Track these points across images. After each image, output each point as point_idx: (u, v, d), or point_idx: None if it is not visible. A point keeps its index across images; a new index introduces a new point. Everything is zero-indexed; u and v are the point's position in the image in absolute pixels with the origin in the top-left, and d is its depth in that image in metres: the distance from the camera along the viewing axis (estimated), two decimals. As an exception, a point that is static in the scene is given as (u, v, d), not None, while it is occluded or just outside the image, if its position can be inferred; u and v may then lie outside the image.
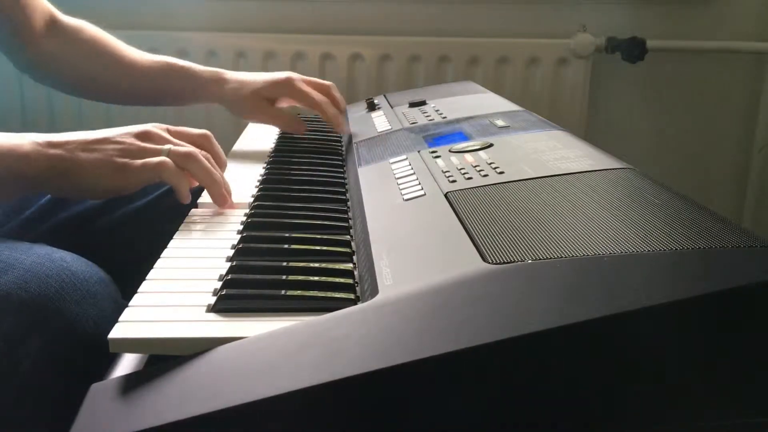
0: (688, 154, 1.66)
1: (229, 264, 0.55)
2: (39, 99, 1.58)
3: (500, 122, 0.85)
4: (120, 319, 0.46)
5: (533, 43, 1.57)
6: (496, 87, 1.36)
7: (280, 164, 0.85)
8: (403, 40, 1.58)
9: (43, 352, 0.52)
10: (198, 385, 0.41)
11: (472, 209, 0.57)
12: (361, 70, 1.58)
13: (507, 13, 1.60)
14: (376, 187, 0.71)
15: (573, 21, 1.56)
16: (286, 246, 0.58)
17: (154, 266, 0.55)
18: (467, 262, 0.47)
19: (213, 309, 0.48)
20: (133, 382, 0.42)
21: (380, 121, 1.01)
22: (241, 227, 0.64)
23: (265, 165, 0.85)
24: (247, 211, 0.68)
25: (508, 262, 0.46)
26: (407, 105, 1.06)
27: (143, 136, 0.68)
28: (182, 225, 0.65)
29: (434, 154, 0.75)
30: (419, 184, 0.67)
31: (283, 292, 0.49)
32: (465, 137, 0.80)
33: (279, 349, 0.42)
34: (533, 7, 1.60)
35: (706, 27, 1.59)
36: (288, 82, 0.97)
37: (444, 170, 0.68)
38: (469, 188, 0.62)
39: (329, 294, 0.50)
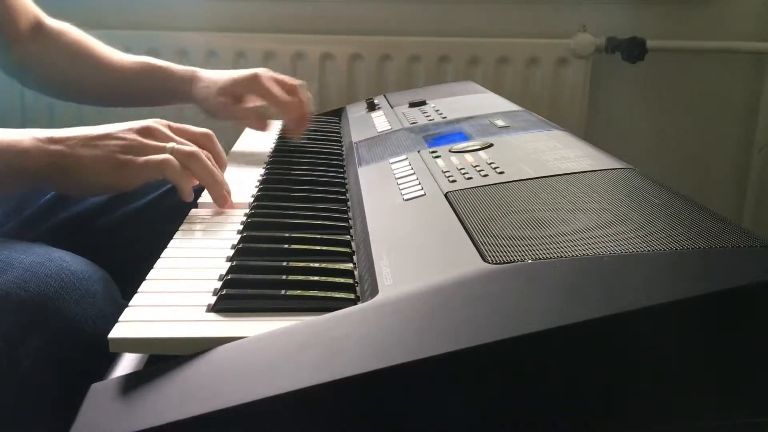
0: (688, 154, 1.66)
1: (229, 264, 0.55)
2: (39, 99, 1.58)
3: (500, 122, 0.85)
4: (120, 319, 0.46)
5: (533, 43, 1.57)
6: (496, 87, 1.36)
7: (280, 164, 0.85)
8: (403, 40, 1.58)
9: (42, 351, 0.52)
10: (198, 385, 0.41)
11: (472, 209, 0.57)
12: (361, 70, 1.58)
13: (507, 13, 1.60)
14: (376, 187, 0.71)
15: (573, 21, 1.56)
16: (286, 246, 0.58)
17: (154, 266, 0.55)
18: (467, 262, 0.47)
19: (213, 309, 0.48)
20: (133, 382, 0.42)
21: (380, 121, 1.01)
22: (241, 227, 0.64)
23: (265, 165, 0.85)
24: (247, 211, 0.68)
25: (508, 262, 0.46)
26: (407, 105, 1.06)
27: (145, 132, 0.67)
28: (182, 225, 0.65)
29: (434, 154, 0.75)
30: (419, 184, 0.67)
31: (283, 292, 0.49)
32: (465, 137, 0.80)
33: (279, 349, 0.42)
34: (533, 7, 1.60)
35: (706, 27, 1.59)
36: (254, 78, 0.95)
37: (444, 170, 0.68)
38: (469, 188, 0.62)
39: (329, 294, 0.50)
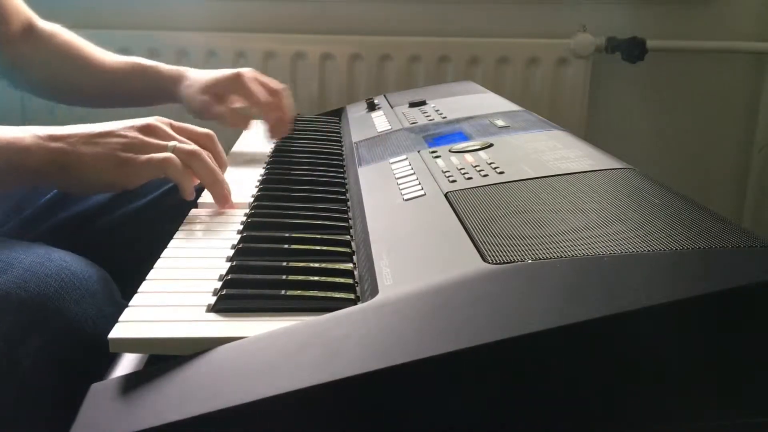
0: (688, 154, 1.66)
1: (229, 264, 0.55)
2: (39, 99, 1.58)
3: (500, 122, 0.85)
4: (120, 319, 0.46)
5: (533, 43, 1.57)
6: (496, 87, 1.36)
7: (280, 164, 0.85)
8: (403, 40, 1.58)
9: (42, 351, 0.52)
10: (198, 385, 0.41)
11: (472, 209, 0.57)
12: (361, 70, 1.58)
13: (507, 13, 1.60)
14: (376, 187, 0.71)
15: (573, 21, 1.56)
16: (286, 246, 0.58)
17: (154, 266, 0.55)
18: (467, 262, 0.47)
19: (213, 309, 0.48)
20: (133, 382, 0.42)
21: (380, 121, 1.00)
22: (241, 227, 0.64)
23: (265, 165, 0.85)
24: (247, 211, 0.68)
25: (508, 262, 0.46)
26: (407, 105, 1.06)
27: (147, 130, 0.67)
28: (182, 225, 0.65)
29: (434, 154, 0.75)
30: (419, 184, 0.67)
31: (283, 292, 0.49)
32: (465, 137, 0.80)
33: (279, 349, 0.42)
34: (533, 7, 1.60)
35: (706, 27, 1.59)
36: (236, 78, 0.94)
37: (444, 170, 0.68)
38: (469, 188, 0.62)
39: (329, 294, 0.50)
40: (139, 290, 0.51)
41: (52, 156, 0.63)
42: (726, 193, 1.70)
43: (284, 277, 0.52)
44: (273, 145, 0.96)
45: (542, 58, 1.56)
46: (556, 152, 0.70)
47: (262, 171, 0.83)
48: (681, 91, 1.64)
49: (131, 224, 0.82)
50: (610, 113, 1.64)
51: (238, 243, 0.59)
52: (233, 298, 0.49)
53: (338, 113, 1.21)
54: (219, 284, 0.51)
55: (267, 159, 0.89)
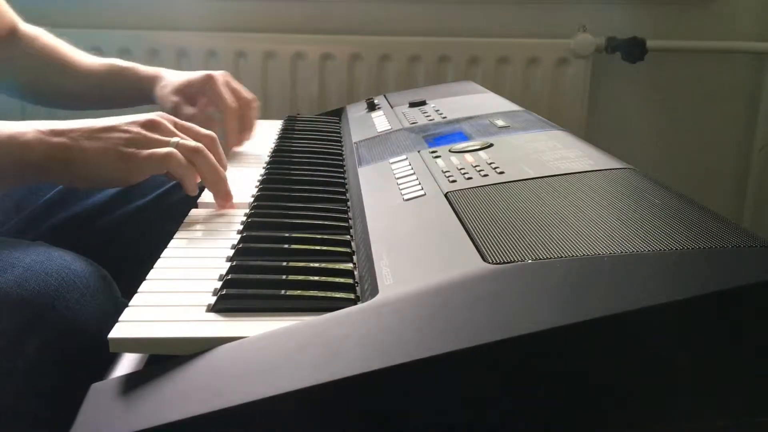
0: (688, 154, 1.66)
1: (229, 264, 0.55)
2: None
3: (500, 122, 0.85)
4: (120, 319, 0.46)
5: (533, 43, 1.57)
6: (496, 87, 1.36)
7: (280, 164, 0.85)
8: (403, 40, 1.58)
9: (42, 350, 0.52)
10: (198, 385, 0.41)
11: (472, 209, 0.57)
12: (361, 70, 1.58)
13: (507, 13, 1.60)
14: (376, 187, 0.71)
15: (573, 21, 1.56)
16: (286, 246, 0.58)
17: (154, 266, 0.55)
18: (467, 262, 0.47)
19: (213, 309, 0.48)
20: (133, 382, 0.42)
21: (380, 121, 1.00)
22: (241, 227, 0.64)
23: (265, 165, 0.85)
24: (247, 211, 0.68)
25: (508, 262, 0.46)
26: (407, 105, 1.06)
27: (149, 125, 0.66)
28: (182, 225, 0.65)
29: (434, 154, 0.75)
30: (419, 184, 0.67)
31: (283, 292, 0.49)
32: (465, 137, 0.80)
33: (279, 349, 0.42)
34: (533, 7, 1.60)
35: (706, 27, 1.59)
36: (207, 80, 0.94)
37: (444, 170, 0.68)
38: (469, 188, 0.62)
39: (329, 294, 0.50)
40: (139, 290, 0.51)
41: (54, 151, 0.62)
42: (726, 193, 1.70)
43: (284, 277, 0.52)
44: (273, 145, 0.97)
45: (542, 58, 1.56)
46: (556, 152, 0.70)
47: (262, 171, 0.83)
48: (681, 91, 1.64)
49: (131, 224, 0.82)
50: (610, 113, 1.64)
51: (238, 243, 0.59)
52: (233, 297, 0.49)
53: (338, 113, 1.21)
54: (219, 284, 0.51)
55: (267, 159, 0.89)
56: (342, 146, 0.97)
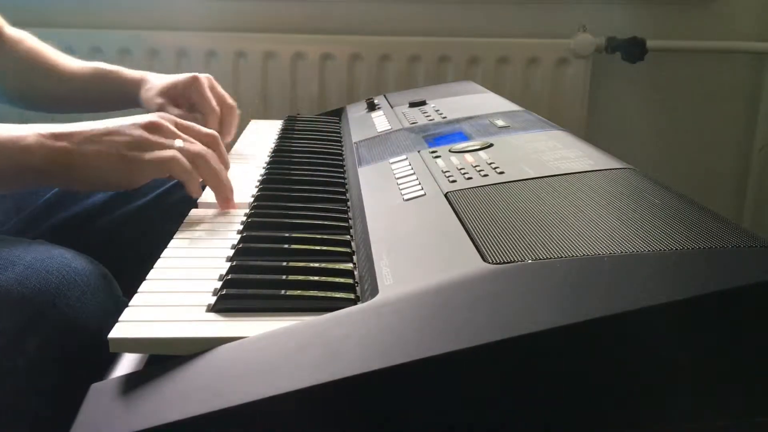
0: (688, 154, 1.66)
1: (229, 264, 0.55)
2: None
3: (500, 122, 0.85)
4: (120, 319, 0.46)
5: (533, 43, 1.57)
6: (496, 87, 1.36)
7: (280, 164, 0.85)
8: (403, 40, 1.58)
9: (43, 348, 0.52)
10: (198, 385, 0.41)
11: (472, 209, 0.57)
12: (361, 70, 1.58)
13: (507, 13, 1.60)
14: (376, 187, 0.71)
15: (573, 21, 1.56)
16: (286, 246, 0.58)
17: (154, 266, 0.55)
18: (467, 262, 0.47)
19: (213, 309, 0.48)
20: (133, 382, 0.42)
21: (380, 121, 1.01)
22: (241, 227, 0.64)
23: (265, 165, 0.85)
24: (247, 211, 0.68)
25: (508, 262, 0.46)
26: (407, 105, 1.06)
27: (151, 127, 0.66)
28: (182, 225, 0.65)
29: (434, 154, 0.75)
30: (419, 184, 0.67)
31: (283, 292, 0.49)
32: (465, 137, 0.80)
33: (279, 349, 0.42)
34: (533, 7, 1.60)
35: (706, 27, 1.59)
36: (192, 81, 0.94)
37: (444, 170, 0.68)
38: (469, 188, 0.62)
39: (329, 294, 0.50)
40: (139, 290, 0.51)
41: (55, 155, 0.62)
42: (726, 193, 1.70)
43: (284, 277, 0.52)
44: (273, 145, 0.97)
45: (542, 58, 1.56)
46: (556, 152, 0.70)
47: (262, 171, 0.83)
48: (681, 91, 1.64)
49: (131, 224, 0.82)
50: (610, 113, 1.65)
51: (238, 243, 0.59)
52: (233, 298, 0.49)
53: (338, 113, 1.21)
54: (219, 284, 0.51)
55: (267, 159, 0.89)
56: (342, 146, 0.97)
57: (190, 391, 0.41)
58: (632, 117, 1.65)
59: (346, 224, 0.64)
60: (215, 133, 0.72)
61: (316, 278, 0.52)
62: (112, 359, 0.50)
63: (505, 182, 0.62)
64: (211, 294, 0.50)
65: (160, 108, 0.93)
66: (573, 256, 0.45)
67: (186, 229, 0.64)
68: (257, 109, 1.56)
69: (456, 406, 0.40)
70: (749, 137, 1.66)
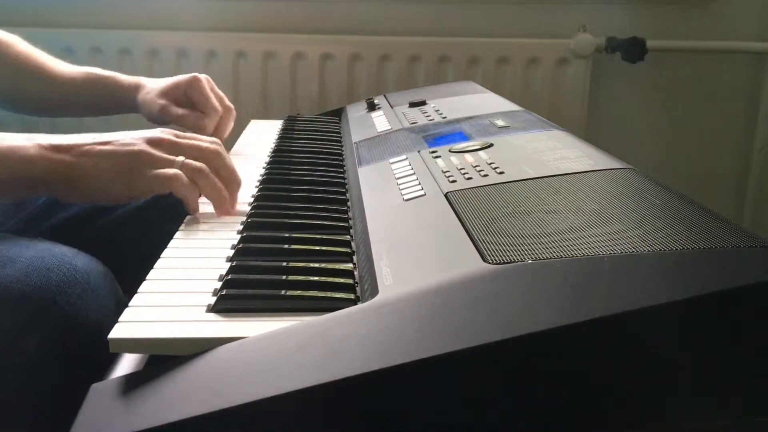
0: (688, 154, 1.66)
1: (229, 264, 0.55)
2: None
3: (500, 122, 0.85)
4: (120, 319, 0.46)
5: (533, 43, 1.57)
6: (496, 87, 1.36)
7: (280, 164, 0.85)
8: (403, 40, 1.58)
9: (43, 345, 0.52)
10: (198, 385, 0.41)
11: (472, 209, 0.57)
12: (361, 70, 1.58)
13: (507, 13, 1.60)
14: (376, 187, 0.71)
15: (573, 21, 1.56)
16: (286, 246, 0.58)
17: (154, 266, 0.55)
18: (467, 262, 0.47)
19: (213, 309, 0.48)
20: (133, 382, 0.42)
21: (380, 121, 1.01)
22: (241, 227, 0.64)
23: (265, 165, 0.85)
24: (248, 211, 0.68)
25: (508, 262, 0.46)
26: (407, 105, 1.06)
27: (153, 142, 0.66)
28: (182, 225, 0.65)
29: (434, 154, 0.75)
30: (419, 184, 0.67)
31: (283, 292, 0.49)
32: (465, 137, 0.80)
33: (279, 349, 0.42)
34: (533, 7, 1.60)
35: (706, 27, 1.59)
36: (193, 80, 0.95)
37: (444, 170, 0.68)
38: (469, 188, 0.62)
39: (329, 294, 0.50)
40: (139, 290, 0.51)
41: (56, 167, 0.62)
42: (726, 193, 1.70)
43: (284, 277, 0.52)
44: (273, 145, 0.97)
45: (542, 58, 1.56)
46: (556, 152, 0.70)
47: (262, 171, 0.83)
48: (681, 91, 1.64)
49: (131, 224, 0.82)
50: (610, 113, 1.64)
51: (238, 243, 0.59)
52: (233, 298, 0.49)
53: (338, 113, 1.21)
54: (219, 284, 0.51)
55: (267, 159, 0.89)
56: (342, 146, 0.97)
57: (190, 391, 0.41)
58: (632, 117, 1.65)
59: (346, 224, 0.64)
60: (217, 148, 0.70)
61: (316, 278, 0.52)
62: (112, 359, 0.50)
63: (505, 182, 0.62)
64: (211, 294, 0.50)
65: (163, 108, 0.94)
66: (573, 256, 0.45)
67: (186, 229, 0.64)
68: (257, 109, 1.56)
69: (456, 406, 0.40)
70: (749, 137, 1.66)
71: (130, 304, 0.48)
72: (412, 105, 1.05)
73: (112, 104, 1.00)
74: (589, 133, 1.58)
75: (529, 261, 0.46)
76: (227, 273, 0.53)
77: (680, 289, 0.41)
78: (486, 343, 0.38)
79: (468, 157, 0.72)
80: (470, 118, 0.91)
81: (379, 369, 0.38)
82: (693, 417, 0.41)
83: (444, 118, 0.93)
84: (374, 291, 0.47)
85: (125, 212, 0.82)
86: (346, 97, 1.57)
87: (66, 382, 0.51)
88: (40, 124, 1.51)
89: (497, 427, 0.40)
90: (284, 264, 0.54)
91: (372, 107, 1.11)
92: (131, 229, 0.81)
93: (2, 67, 0.96)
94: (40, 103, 1.00)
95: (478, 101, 1.04)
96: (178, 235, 0.63)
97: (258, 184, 0.77)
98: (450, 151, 0.75)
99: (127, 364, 0.50)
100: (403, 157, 0.77)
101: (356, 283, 0.52)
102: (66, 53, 1.52)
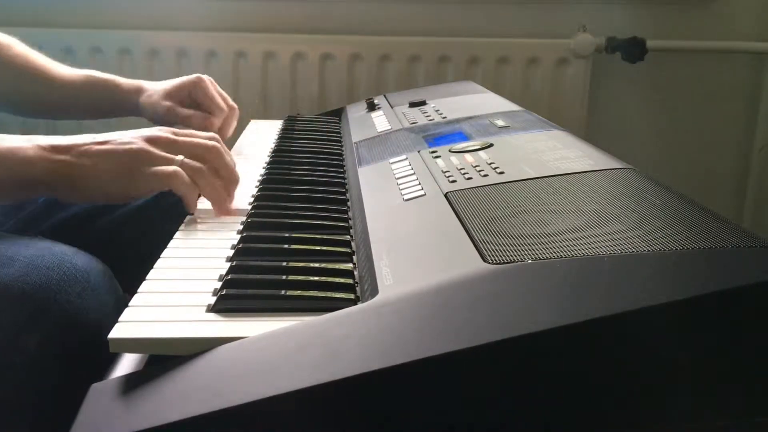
0: (688, 154, 1.66)
1: (229, 264, 0.55)
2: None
3: (500, 122, 0.85)
4: (120, 319, 0.46)
5: (533, 43, 1.57)
6: (496, 87, 1.36)
7: (280, 164, 0.85)
8: (403, 40, 1.58)
9: (43, 344, 0.52)
10: (198, 385, 0.41)
11: (472, 209, 0.57)
12: (361, 70, 1.58)
13: (507, 13, 1.60)
14: (376, 187, 0.71)
15: (573, 21, 1.56)
16: (286, 246, 0.58)
17: (154, 266, 0.55)
18: (467, 262, 0.47)
19: (213, 309, 0.48)
20: (133, 382, 0.42)
21: (380, 121, 1.01)
22: (241, 227, 0.64)
23: (265, 165, 0.85)
24: (248, 211, 0.68)
25: (508, 262, 0.46)
26: (407, 105, 1.06)
27: (152, 141, 0.66)
28: (182, 225, 0.65)
29: (434, 154, 0.75)
30: (419, 184, 0.67)
31: (283, 292, 0.49)
32: (465, 137, 0.80)
33: (279, 349, 0.42)
34: (533, 7, 1.60)
35: (706, 27, 1.59)
36: (198, 80, 0.97)
37: (444, 170, 0.68)
38: (469, 188, 0.62)
39: (329, 294, 0.50)
40: (139, 290, 0.51)
41: (56, 167, 0.62)
42: (726, 193, 1.70)
43: (284, 277, 0.52)
44: (273, 145, 0.97)
45: (542, 58, 1.56)
46: (556, 152, 0.70)
47: (262, 171, 0.83)
48: (681, 91, 1.64)
49: (131, 224, 0.82)
50: (610, 113, 1.64)
51: (238, 243, 0.59)
52: (233, 298, 0.49)
53: (338, 113, 1.21)
54: (219, 284, 0.51)
55: (267, 159, 0.89)
56: (342, 146, 0.97)
57: (190, 391, 0.41)
58: (632, 117, 1.65)
59: (346, 224, 0.64)
60: (216, 144, 0.70)
61: (316, 278, 0.52)
62: (112, 359, 0.50)
63: (505, 182, 0.62)
64: (211, 294, 0.50)
65: (169, 110, 0.94)
66: (573, 256, 0.45)
67: (186, 229, 0.64)
68: (257, 109, 1.56)
69: (456, 406, 0.40)
70: (749, 137, 1.66)
71: (130, 304, 0.48)
72: (412, 105, 1.05)
73: (112, 107, 1.00)
74: (589, 133, 1.58)
75: (529, 261, 0.46)
76: (227, 273, 0.53)
77: (680, 289, 0.41)
78: (486, 343, 0.38)
79: (468, 157, 0.72)
80: (470, 118, 0.91)
81: (379, 369, 0.38)
82: (693, 417, 0.41)
83: (444, 118, 0.93)
84: (374, 291, 0.47)
85: (125, 212, 0.82)
86: (346, 97, 1.57)
87: (66, 381, 0.51)
88: (39, 125, 1.51)
89: (497, 427, 0.40)
90: (284, 264, 0.54)
91: (372, 107, 1.11)
92: (131, 229, 0.81)
93: (0, 69, 0.96)
94: (38, 105, 1.00)
95: (478, 101, 1.04)
96: (178, 235, 0.63)
97: (258, 184, 0.77)
98: (450, 151, 0.75)
99: (127, 364, 0.50)
100: (403, 157, 0.77)
101: (356, 283, 0.52)
102: (66, 53, 1.53)
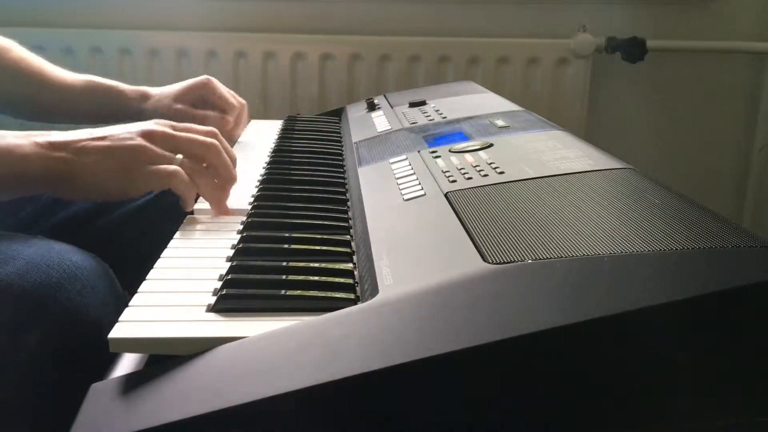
0: (688, 154, 1.66)
1: (229, 264, 0.55)
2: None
3: (500, 122, 0.85)
4: (120, 318, 0.46)
5: (533, 43, 1.57)
6: (496, 87, 1.36)
7: (280, 164, 0.85)
8: (403, 40, 1.58)
9: (43, 342, 0.52)
10: (198, 385, 0.41)
11: (472, 209, 0.57)
12: (361, 70, 1.58)
13: (507, 13, 1.60)
14: (376, 187, 0.71)
15: (573, 21, 1.56)
16: (286, 246, 0.58)
17: (154, 266, 0.55)
18: (467, 262, 0.47)
19: (213, 309, 0.48)
20: (133, 382, 0.42)
21: (380, 121, 1.01)
22: (241, 227, 0.64)
23: (265, 165, 0.85)
24: (247, 211, 0.68)
25: (508, 262, 0.46)
26: (407, 105, 1.06)
27: (150, 136, 0.65)
28: (182, 225, 0.65)
29: (434, 154, 0.75)
30: (419, 184, 0.67)
31: (283, 292, 0.49)
32: (465, 137, 0.80)
33: (279, 349, 0.42)
34: (533, 7, 1.60)
35: (706, 27, 1.60)
36: (207, 82, 0.98)
37: (444, 170, 0.68)
38: (469, 188, 0.62)
39: (329, 294, 0.50)
40: (139, 290, 0.51)
41: (53, 164, 0.62)
42: (726, 193, 1.70)
43: (284, 277, 0.52)
44: (273, 145, 0.97)
45: (542, 58, 1.56)
46: (556, 152, 0.70)
47: (262, 171, 0.83)
48: (681, 91, 1.64)
49: (131, 224, 0.82)
50: (610, 113, 1.65)
51: (238, 243, 0.59)
52: (233, 298, 0.49)
53: (338, 113, 1.21)
54: (219, 284, 0.51)
55: (267, 159, 0.89)
56: (342, 146, 0.97)
57: (190, 391, 0.41)
58: (632, 117, 1.65)
59: (346, 224, 0.64)
60: (215, 142, 0.70)
61: (316, 278, 0.52)
62: (112, 359, 0.50)
63: (505, 182, 0.62)
64: (211, 294, 0.50)
65: (183, 113, 0.95)
66: (573, 256, 0.45)
67: (186, 229, 0.64)
68: (257, 109, 1.56)
69: (456, 406, 0.40)
70: (749, 137, 1.66)
71: (130, 303, 0.48)
72: (412, 105, 1.05)
73: (113, 113, 1.00)
74: (589, 133, 1.58)
75: (529, 261, 0.46)
76: (227, 273, 0.53)
77: (680, 289, 0.41)
78: (486, 343, 0.38)
79: (468, 157, 0.72)
80: (470, 118, 0.91)
81: (379, 369, 0.38)
82: (693, 417, 0.41)
83: (444, 118, 0.93)
84: (374, 291, 0.47)
85: (125, 212, 0.82)
86: (346, 97, 1.57)
87: (66, 379, 0.51)
88: (37, 127, 1.51)
89: (497, 427, 0.40)
90: (284, 264, 0.54)
91: (372, 107, 1.11)
92: (131, 229, 0.81)
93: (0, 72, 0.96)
94: (36, 108, 1.00)
95: (478, 101, 1.04)
96: (178, 235, 0.63)
97: (258, 184, 0.77)
98: (450, 151, 0.75)
99: (127, 363, 0.50)
100: (403, 157, 0.77)
101: (356, 283, 0.52)
102: (66, 53, 1.53)
